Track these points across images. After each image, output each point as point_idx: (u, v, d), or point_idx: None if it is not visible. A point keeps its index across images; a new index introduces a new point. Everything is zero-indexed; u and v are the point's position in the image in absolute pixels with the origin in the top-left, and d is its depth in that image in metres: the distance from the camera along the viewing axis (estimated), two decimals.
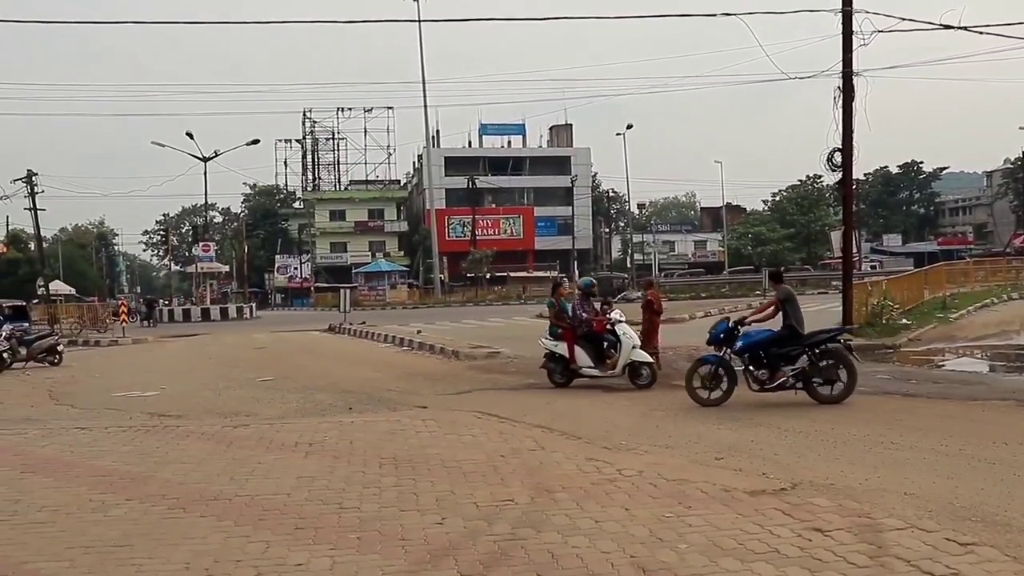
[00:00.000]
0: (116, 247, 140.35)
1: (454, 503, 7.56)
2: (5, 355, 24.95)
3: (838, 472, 8.57)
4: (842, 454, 9.62)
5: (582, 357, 16.55)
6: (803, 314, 14.00)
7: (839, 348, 13.69)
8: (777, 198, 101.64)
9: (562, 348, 16.69)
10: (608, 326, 16.54)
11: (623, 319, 16.74)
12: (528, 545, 6.32)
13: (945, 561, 5.78)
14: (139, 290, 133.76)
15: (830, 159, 23.66)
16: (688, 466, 8.95)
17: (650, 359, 16.43)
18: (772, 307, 14.18)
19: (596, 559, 5.97)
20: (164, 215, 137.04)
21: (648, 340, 18.66)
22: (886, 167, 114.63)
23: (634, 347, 16.25)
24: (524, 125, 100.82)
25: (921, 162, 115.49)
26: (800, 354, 13.54)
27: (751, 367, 13.81)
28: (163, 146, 59.84)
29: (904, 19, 21.53)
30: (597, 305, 17.59)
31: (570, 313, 17.05)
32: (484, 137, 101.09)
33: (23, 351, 25.49)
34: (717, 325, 14.40)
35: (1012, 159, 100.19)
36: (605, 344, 16.60)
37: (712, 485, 7.93)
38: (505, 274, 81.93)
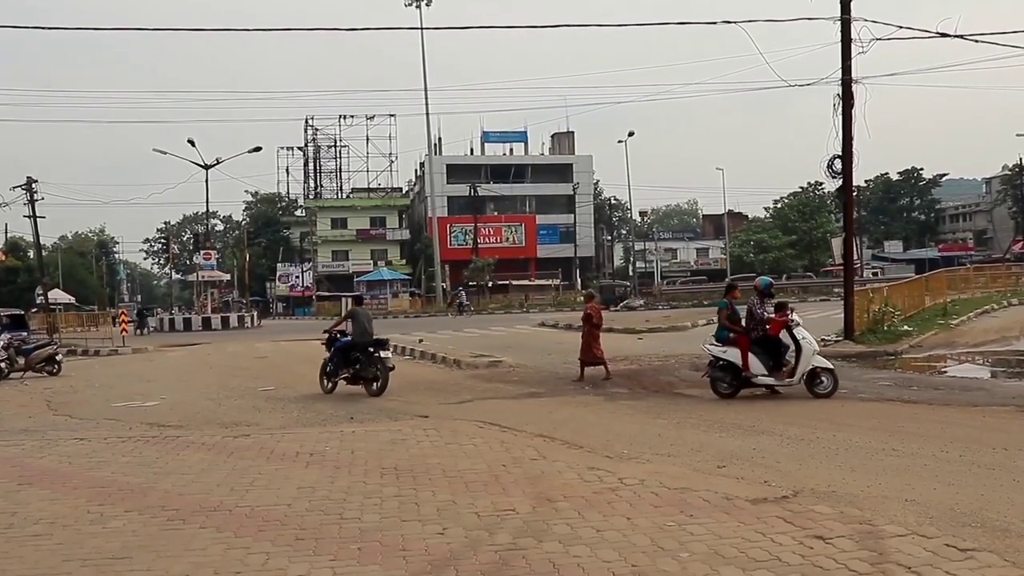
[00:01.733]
0: (117, 255, 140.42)
1: (455, 513, 7.54)
2: (3, 365, 24.92)
3: (840, 479, 8.56)
4: (844, 461, 9.60)
5: (756, 365, 15.36)
6: None
7: None
8: (779, 205, 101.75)
9: (732, 355, 15.50)
10: (784, 331, 15.45)
11: (800, 322, 15.74)
12: (529, 555, 6.29)
13: (945, 567, 5.77)
14: (139, 299, 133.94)
15: (830, 166, 23.75)
16: (690, 474, 8.93)
17: (831, 365, 15.49)
18: None
19: (597, 568, 5.95)
20: (165, 223, 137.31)
21: (589, 350, 19.24)
22: (886, 174, 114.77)
23: (815, 352, 15.34)
24: (526, 132, 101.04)
25: (921, 169, 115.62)
26: None
27: None
28: (165, 153, 59.94)
29: (901, 27, 21.64)
30: (770, 307, 16.13)
31: (744, 316, 16.01)
32: (486, 144, 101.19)
33: (21, 360, 25.38)
34: None
35: (1010, 166, 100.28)
36: (781, 349, 15.49)
37: (714, 493, 7.91)
38: (507, 282, 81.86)
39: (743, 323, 15.89)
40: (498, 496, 8.10)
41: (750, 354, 15.37)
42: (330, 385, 18.16)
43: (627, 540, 6.58)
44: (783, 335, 15.44)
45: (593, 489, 8.24)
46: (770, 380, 15.40)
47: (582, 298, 17.93)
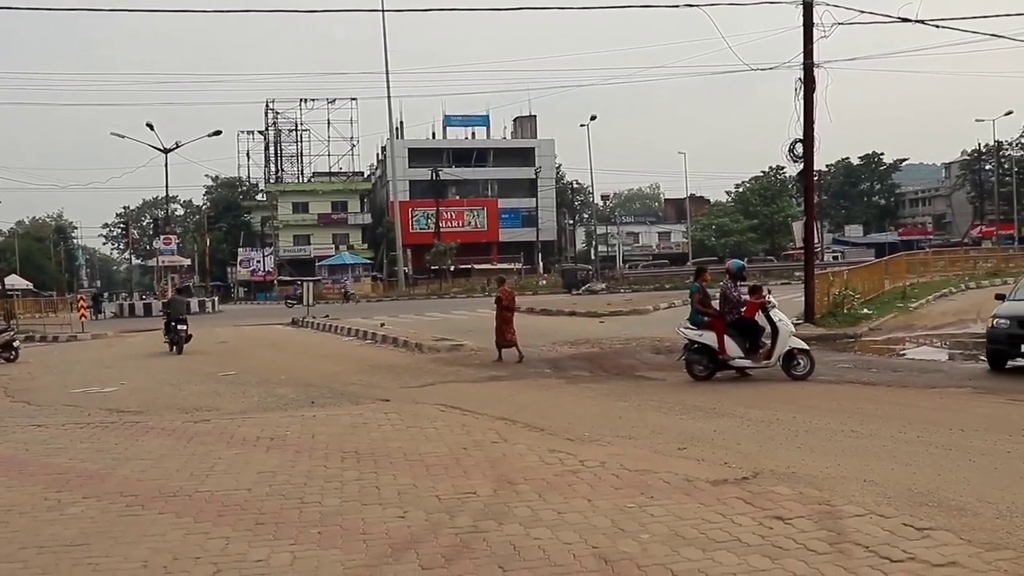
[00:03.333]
0: (75, 240, 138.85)
1: (416, 496, 7.53)
2: None
3: (799, 460, 8.63)
4: (803, 442, 9.68)
5: (732, 347, 15.42)
6: None
7: None
8: (740, 189, 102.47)
9: (708, 338, 15.50)
10: (759, 312, 15.53)
11: (776, 304, 15.74)
12: (490, 537, 6.30)
13: (902, 546, 5.84)
14: (99, 284, 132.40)
15: (792, 150, 23.88)
16: (651, 456, 8.97)
17: (807, 347, 15.62)
18: None
19: (558, 550, 5.97)
20: (124, 208, 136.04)
21: (502, 333, 19.73)
22: (847, 159, 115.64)
23: (792, 334, 15.53)
24: (488, 116, 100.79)
25: (881, 154, 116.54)
26: None
27: None
28: (123, 137, 59.10)
29: (863, 11, 21.76)
30: (744, 290, 16.20)
31: (718, 299, 16.00)
32: (448, 128, 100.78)
33: None
34: None
35: (969, 151, 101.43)
36: (755, 331, 15.62)
37: (675, 475, 7.96)
38: (469, 266, 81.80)
39: (717, 306, 15.92)
40: (459, 479, 8.10)
41: (726, 337, 15.42)
42: (168, 345, 25.63)
43: (588, 522, 6.60)
44: (759, 317, 15.53)
45: (554, 471, 8.27)
46: (747, 362, 15.48)
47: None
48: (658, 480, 7.80)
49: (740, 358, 15.48)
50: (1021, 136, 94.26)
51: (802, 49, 22.93)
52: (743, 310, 15.61)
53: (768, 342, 15.46)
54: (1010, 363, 15.88)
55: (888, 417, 11.26)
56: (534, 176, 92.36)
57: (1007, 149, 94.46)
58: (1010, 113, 78.49)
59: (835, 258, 74.22)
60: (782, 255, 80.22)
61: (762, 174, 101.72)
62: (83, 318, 40.36)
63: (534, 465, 8.61)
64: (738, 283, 16.12)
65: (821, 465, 8.38)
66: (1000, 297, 17.26)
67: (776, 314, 15.45)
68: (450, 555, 5.96)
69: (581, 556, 5.84)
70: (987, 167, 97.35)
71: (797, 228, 66.91)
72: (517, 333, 20.08)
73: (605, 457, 8.84)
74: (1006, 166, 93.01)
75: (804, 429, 10.54)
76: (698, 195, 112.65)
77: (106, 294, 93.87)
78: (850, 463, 8.47)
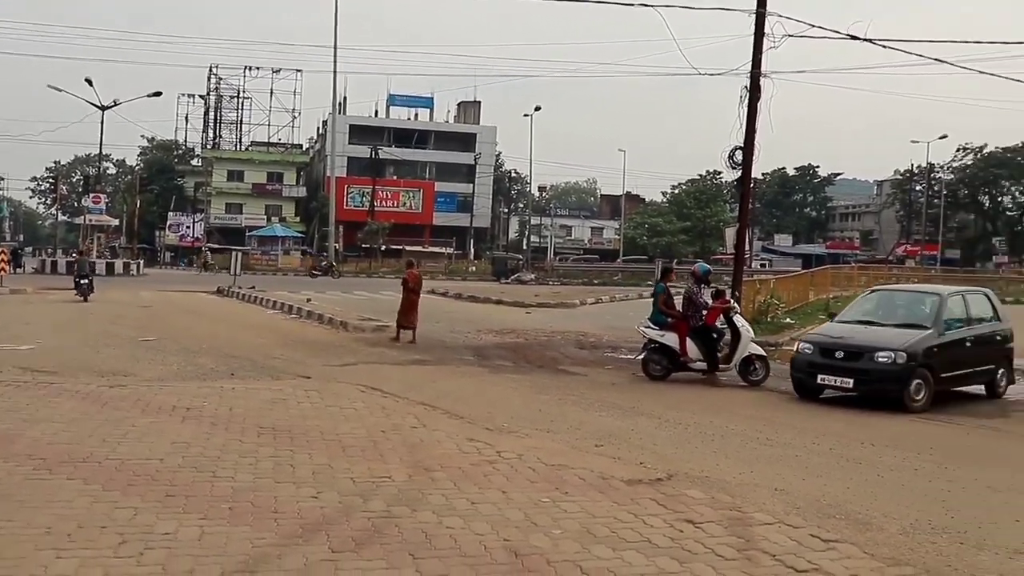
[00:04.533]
0: (1, 192, 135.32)
1: (331, 477, 7.49)
2: None
3: (714, 465, 8.75)
4: (719, 448, 9.81)
5: (693, 350, 15.48)
6: None
7: None
8: (676, 191, 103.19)
9: (670, 339, 15.55)
10: (721, 317, 15.72)
11: (739, 309, 15.93)
12: (402, 523, 6.29)
13: (808, 556, 5.96)
14: (21, 239, 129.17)
15: (731, 156, 24.03)
16: (568, 451, 9.02)
17: (763, 353, 15.77)
18: None
19: (470, 541, 5.98)
20: (55, 162, 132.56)
21: (405, 314, 20.03)
22: (783, 169, 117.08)
23: (752, 340, 15.60)
24: (433, 98, 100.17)
25: (817, 166, 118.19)
26: None
27: None
28: (60, 91, 57.64)
29: (814, 26, 22.01)
30: (708, 294, 16.37)
31: (682, 302, 16.07)
32: (392, 108, 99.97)
33: None
34: None
35: (902, 171, 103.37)
36: (715, 336, 15.72)
37: (590, 472, 8.01)
38: (401, 247, 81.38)
39: (680, 308, 16.04)
40: (375, 462, 8.07)
41: (688, 339, 15.53)
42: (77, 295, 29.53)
43: (501, 514, 6.62)
44: (719, 321, 15.75)
45: (471, 461, 8.28)
46: (705, 366, 15.62)
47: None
48: (574, 476, 7.84)
49: (700, 361, 15.60)
50: (953, 160, 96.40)
51: (751, 58, 23.12)
52: (706, 313, 15.73)
53: (726, 347, 15.66)
54: (829, 393, 13.90)
55: (803, 428, 11.48)
56: (473, 162, 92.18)
57: (939, 172, 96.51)
58: (944, 137, 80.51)
59: (763, 266, 75.25)
60: (711, 259, 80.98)
61: (699, 178, 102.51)
62: (2, 272, 39.37)
63: (451, 453, 8.61)
64: (703, 287, 16.36)
65: (735, 471, 8.50)
66: (832, 315, 16.25)
67: (739, 319, 15.71)
68: (361, 539, 5.94)
69: (492, 548, 5.86)
70: (918, 188, 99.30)
71: (729, 234, 67.35)
72: (420, 317, 20.34)
73: (523, 449, 8.87)
74: (936, 188, 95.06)
75: (720, 434, 10.69)
76: (634, 193, 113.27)
77: (28, 248, 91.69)
78: (763, 471, 8.61)
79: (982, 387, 15.05)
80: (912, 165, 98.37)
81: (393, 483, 7.38)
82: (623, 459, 8.81)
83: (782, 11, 22.02)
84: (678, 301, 16.32)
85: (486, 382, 14.76)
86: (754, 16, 22.98)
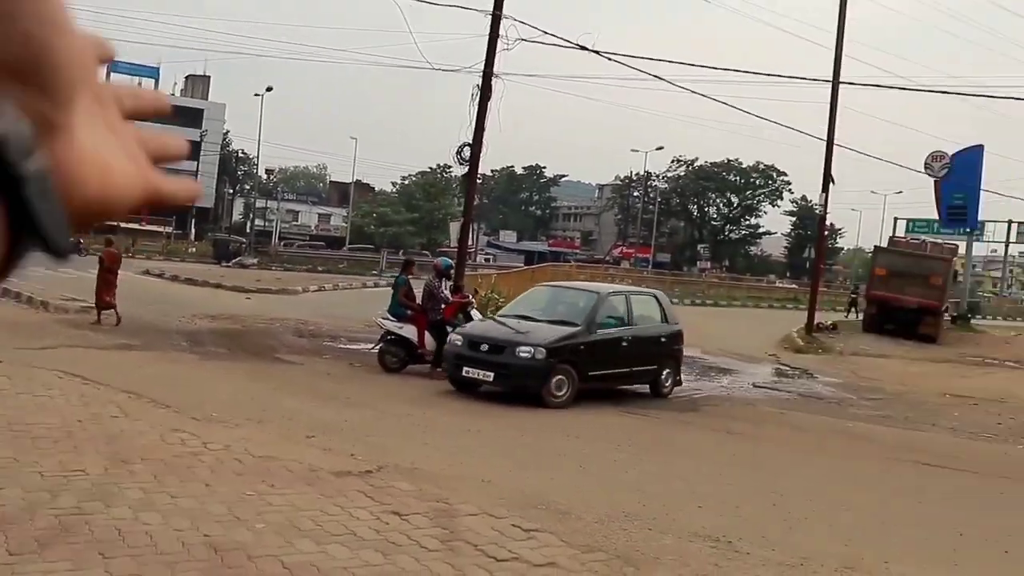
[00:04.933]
0: None
1: (16, 472, 6.91)
2: None
3: (424, 456, 8.80)
4: (431, 439, 9.91)
5: (431, 343, 15.38)
6: None
7: None
8: (406, 182, 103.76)
9: (408, 331, 15.45)
10: (459, 312, 15.69)
11: (475, 304, 16.12)
12: (94, 520, 5.91)
13: (509, 546, 6.11)
14: None
15: (460, 152, 24.40)
16: (278, 442, 8.82)
17: None
18: None
19: (167, 537, 5.71)
20: None
21: (101, 295, 19.70)
22: (512, 167, 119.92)
23: None
24: (159, 69, 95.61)
25: (544, 167, 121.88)
26: None
27: None
28: None
29: (546, 32, 22.75)
30: (447, 288, 16.47)
31: (422, 295, 15.92)
32: (113, 75, 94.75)
33: None
34: None
35: (622, 177, 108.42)
36: (449, 330, 15.22)
37: (299, 464, 7.86)
38: (115, 224, 77.39)
39: (420, 301, 16.04)
40: (68, 455, 7.54)
41: (427, 332, 15.52)
42: None
43: (203, 508, 6.38)
44: (456, 317, 15.83)
45: (174, 452, 7.92)
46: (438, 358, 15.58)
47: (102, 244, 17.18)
48: (281, 468, 7.67)
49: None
50: (668, 170, 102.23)
51: (484, 58, 23.51)
52: (444, 307, 15.81)
53: None
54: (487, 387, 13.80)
55: (508, 421, 11.78)
56: (199, 139, 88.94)
57: (655, 180, 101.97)
58: (661, 148, 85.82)
59: (487, 260, 76.86)
60: (437, 251, 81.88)
61: (429, 170, 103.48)
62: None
63: (153, 444, 8.20)
64: (444, 281, 16.47)
65: (444, 463, 8.59)
66: None
67: (475, 314, 15.96)
68: (46, 539, 5.52)
69: (191, 544, 5.63)
70: (635, 194, 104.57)
71: (454, 227, 68.33)
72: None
73: (231, 440, 8.58)
74: (652, 195, 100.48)
75: (434, 427, 10.79)
76: (364, 182, 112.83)
77: None
78: (471, 462, 8.76)
79: (647, 386, 15.18)
80: (631, 172, 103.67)
81: (87, 477, 6.93)
82: (334, 450, 8.71)
83: (527, 18, 22.67)
84: (419, 294, 16.40)
85: (198, 369, 14.22)
86: (490, 17, 23.42)
